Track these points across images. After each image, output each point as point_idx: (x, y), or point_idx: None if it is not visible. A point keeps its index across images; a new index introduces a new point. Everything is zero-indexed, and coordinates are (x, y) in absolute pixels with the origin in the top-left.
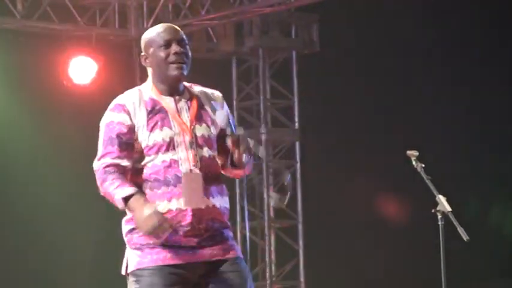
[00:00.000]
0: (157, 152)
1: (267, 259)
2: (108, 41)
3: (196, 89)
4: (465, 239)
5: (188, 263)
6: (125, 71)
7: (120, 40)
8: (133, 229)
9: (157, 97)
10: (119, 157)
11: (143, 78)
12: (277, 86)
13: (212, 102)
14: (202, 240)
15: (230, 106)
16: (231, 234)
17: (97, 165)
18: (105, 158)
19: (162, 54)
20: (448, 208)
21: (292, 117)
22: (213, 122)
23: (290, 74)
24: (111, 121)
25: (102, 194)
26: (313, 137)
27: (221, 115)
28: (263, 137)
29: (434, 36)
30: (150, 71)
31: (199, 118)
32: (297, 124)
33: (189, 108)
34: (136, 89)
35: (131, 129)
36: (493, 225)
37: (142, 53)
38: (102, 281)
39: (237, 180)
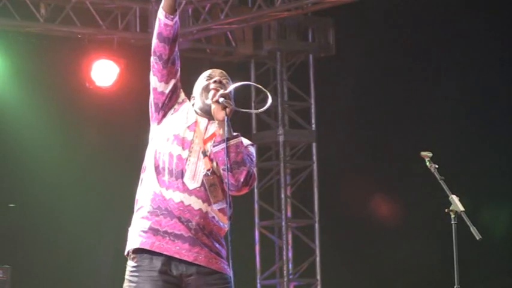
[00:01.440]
0: (173, 140)
1: (284, 257)
2: (130, 45)
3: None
4: (477, 238)
5: (173, 257)
6: (145, 74)
7: (141, 44)
8: (137, 209)
9: (195, 114)
10: None
11: None
12: (295, 89)
13: None
14: (193, 239)
15: (248, 108)
16: (225, 253)
17: None
18: None
19: (204, 82)
20: (461, 208)
21: (309, 119)
22: None
23: (307, 77)
24: None
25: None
26: (330, 138)
27: None
28: (280, 138)
29: (448, 39)
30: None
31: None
32: (313, 126)
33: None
34: None
35: (178, 88)
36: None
37: (192, 95)
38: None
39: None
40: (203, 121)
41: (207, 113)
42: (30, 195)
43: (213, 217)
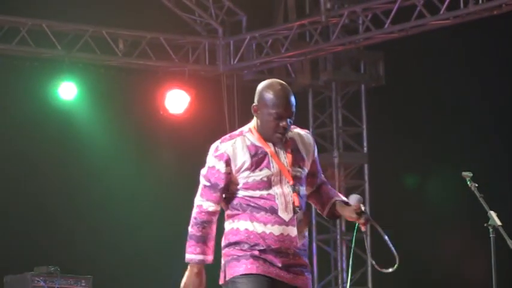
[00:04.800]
0: (255, 189)
1: (339, 267)
2: (199, 76)
3: (295, 131)
4: None
5: (277, 279)
6: (213, 102)
7: (209, 75)
8: (230, 244)
9: (258, 142)
10: (212, 201)
11: (230, 108)
12: (348, 115)
13: (304, 145)
14: (289, 265)
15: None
16: (309, 272)
17: (196, 203)
18: (202, 200)
19: (272, 123)
20: (499, 222)
21: (361, 143)
22: (305, 163)
23: (359, 104)
24: (214, 166)
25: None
26: (380, 160)
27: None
28: (335, 160)
29: (493, 69)
30: (256, 120)
31: (294, 161)
32: (365, 149)
33: (285, 152)
34: (240, 134)
35: (227, 175)
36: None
37: (255, 103)
38: None
39: None
40: (270, 147)
41: (269, 140)
42: (109, 212)
43: (306, 238)
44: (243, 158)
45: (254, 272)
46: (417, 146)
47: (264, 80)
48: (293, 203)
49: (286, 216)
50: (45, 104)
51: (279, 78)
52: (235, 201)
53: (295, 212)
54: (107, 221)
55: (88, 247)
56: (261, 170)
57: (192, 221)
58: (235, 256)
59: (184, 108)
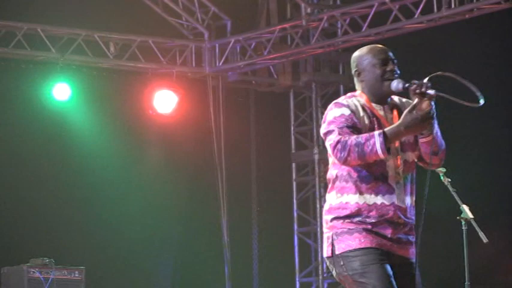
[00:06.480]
0: None
1: (319, 259)
2: (186, 77)
3: (398, 99)
4: (484, 241)
5: (389, 251)
6: (200, 102)
7: (196, 76)
8: (339, 217)
9: (368, 104)
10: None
11: (215, 107)
12: None
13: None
14: (399, 237)
15: (288, 131)
16: (414, 243)
17: (339, 142)
18: (340, 135)
19: (379, 71)
20: (471, 215)
21: None
22: None
23: None
24: (342, 114)
25: (351, 158)
26: None
27: None
28: (316, 157)
29: (465, 70)
30: (359, 84)
31: None
32: None
33: (394, 118)
34: (351, 97)
35: (356, 123)
36: None
37: (355, 69)
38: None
39: (294, 191)
40: (378, 110)
41: (381, 97)
42: (100, 207)
43: (413, 207)
44: (362, 113)
45: (368, 245)
46: None
47: (248, 80)
48: (401, 168)
49: (394, 183)
50: (41, 105)
51: (261, 80)
52: (344, 172)
53: (402, 177)
54: (99, 216)
55: (81, 240)
56: (371, 126)
57: (346, 150)
58: (345, 229)
59: (172, 108)
